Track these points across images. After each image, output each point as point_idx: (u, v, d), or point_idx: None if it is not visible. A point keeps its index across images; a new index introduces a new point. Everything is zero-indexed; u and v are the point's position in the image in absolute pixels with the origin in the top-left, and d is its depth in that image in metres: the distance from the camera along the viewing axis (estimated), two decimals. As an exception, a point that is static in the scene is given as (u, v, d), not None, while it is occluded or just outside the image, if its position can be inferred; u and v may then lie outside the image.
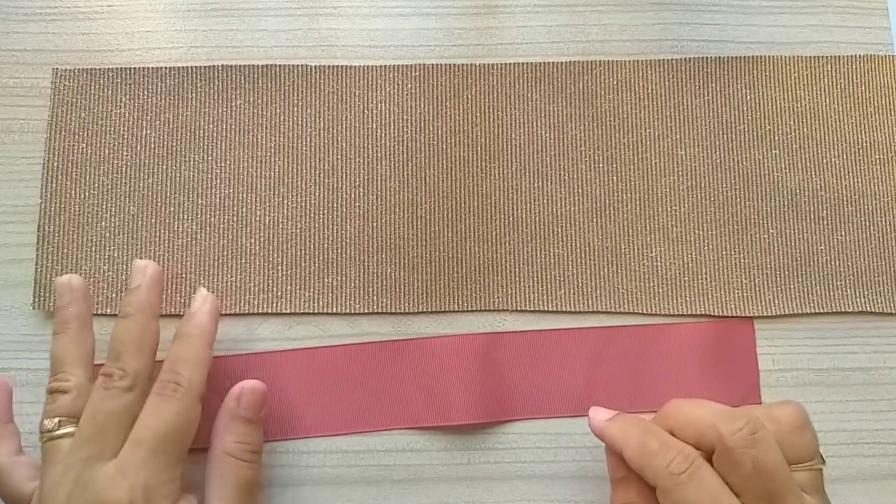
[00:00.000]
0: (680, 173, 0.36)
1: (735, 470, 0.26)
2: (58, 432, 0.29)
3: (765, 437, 0.26)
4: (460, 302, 0.35)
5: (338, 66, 0.37)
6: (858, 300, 0.35)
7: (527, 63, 0.37)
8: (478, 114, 0.37)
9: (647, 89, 0.37)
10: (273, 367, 0.35)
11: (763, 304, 0.35)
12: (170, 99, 0.37)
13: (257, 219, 0.36)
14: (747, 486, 0.26)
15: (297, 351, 0.35)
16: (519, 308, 0.35)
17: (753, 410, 0.28)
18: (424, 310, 0.35)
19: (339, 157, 0.37)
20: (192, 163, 0.36)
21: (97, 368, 0.31)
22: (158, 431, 0.28)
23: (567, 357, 0.35)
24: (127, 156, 0.36)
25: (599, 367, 0.35)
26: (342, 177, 0.36)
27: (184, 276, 0.36)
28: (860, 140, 0.37)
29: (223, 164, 0.36)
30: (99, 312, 0.35)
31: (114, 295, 0.35)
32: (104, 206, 0.36)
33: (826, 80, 0.37)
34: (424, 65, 0.37)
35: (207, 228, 0.36)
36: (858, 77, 0.37)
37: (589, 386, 0.35)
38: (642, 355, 0.35)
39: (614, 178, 0.36)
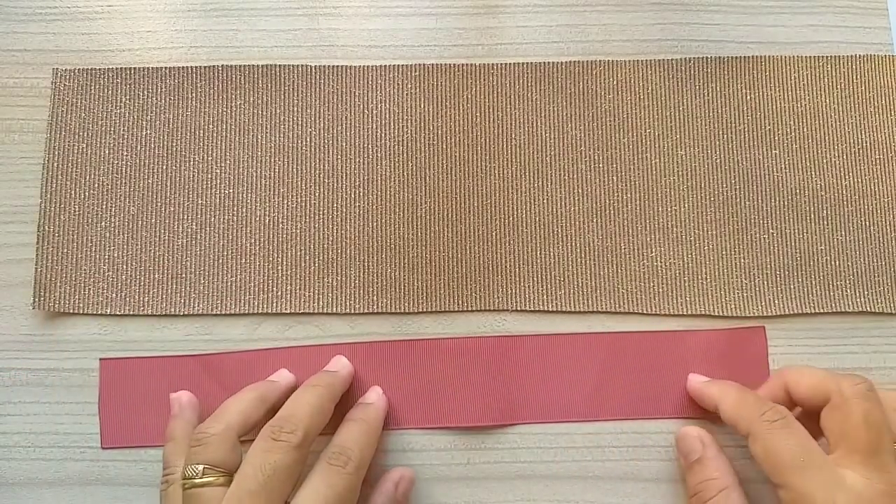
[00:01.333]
0: (680, 173, 0.36)
1: (846, 419, 0.28)
2: (199, 480, 0.28)
3: (877, 397, 0.29)
4: (460, 302, 0.35)
5: (338, 66, 0.37)
6: (858, 300, 0.35)
7: (527, 63, 0.37)
8: (478, 114, 0.37)
9: (647, 89, 0.37)
10: (273, 364, 0.35)
11: (763, 304, 0.35)
12: (170, 99, 0.37)
13: (257, 219, 0.36)
14: (851, 436, 0.28)
15: (298, 348, 0.35)
16: (519, 308, 0.35)
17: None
18: (424, 310, 0.35)
19: (339, 157, 0.37)
20: (192, 163, 0.36)
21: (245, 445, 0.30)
22: (331, 501, 0.28)
23: (577, 362, 0.35)
24: (127, 156, 0.36)
25: (609, 373, 0.35)
26: (342, 177, 0.36)
27: (184, 276, 0.36)
28: (860, 140, 0.37)
29: (223, 164, 0.36)
30: (99, 313, 0.35)
31: (113, 295, 0.35)
32: (104, 206, 0.36)
33: (826, 80, 0.37)
34: (424, 65, 0.37)
35: (207, 228, 0.36)
36: (858, 77, 0.37)
37: (598, 392, 0.35)
38: (653, 363, 0.35)
39: (614, 178, 0.36)
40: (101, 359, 0.35)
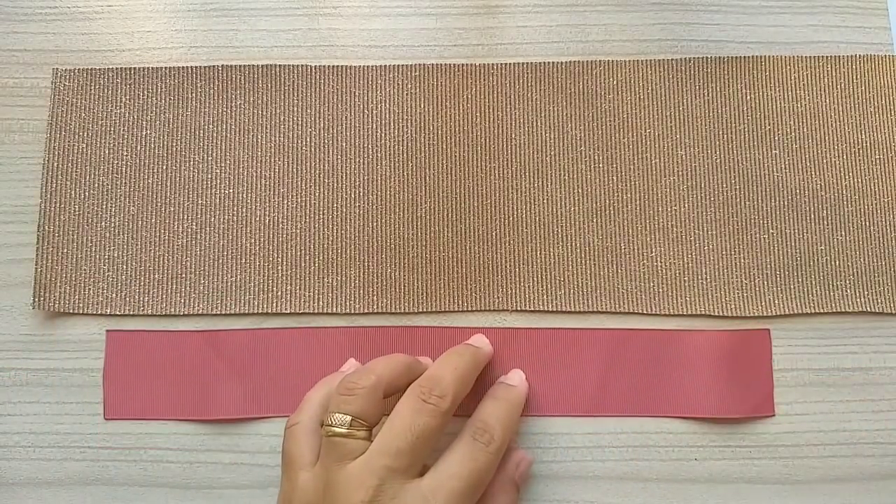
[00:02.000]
0: (680, 173, 0.36)
1: None
2: (344, 430, 0.28)
3: None
4: (460, 302, 0.35)
5: (338, 66, 0.37)
6: (858, 300, 0.35)
7: (527, 63, 0.37)
8: (478, 114, 0.37)
9: (647, 89, 0.37)
10: (280, 344, 0.35)
11: (763, 304, 0.35)
12: (170, 99, 0.37)
13: (257, 219, 0.36)
14: None
15: (305, 329, 0.35)
16: (519, 308, 0.35)
17: None
18: (424, 310, 0.35)
19: (339, 157, 0.37)
20: (192, 163, 0.36)
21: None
22: (473, 475, 0.28)
23: (580, 357, 0.35)
24: (127, 156, 0.36)
25: (613, 369, 0.35)
26: (342, 177, 0.36)
27: (184, 276, 0.36)
28: (860, 140, 0.37)
29: (223, 164, 0.36)
30: (99, 313, 0.35)
31: (113, 295, 0.35)
32: (104, 206, 0.36)
33: (826, 80, 0.37)
34: (424, 65, 0.37)
35: (207, 228, 0.36)
36: (858, 77, 0.37)
37: (601, 387, 0.35)
38: (656, 360, 0.35)
39: (614, 178, 0.36)
40: (107, 330, 0.35)
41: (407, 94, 0.37)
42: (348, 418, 0.28)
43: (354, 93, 0.37)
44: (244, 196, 0.36)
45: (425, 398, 0.28)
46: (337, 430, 0.28)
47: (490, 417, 0.30)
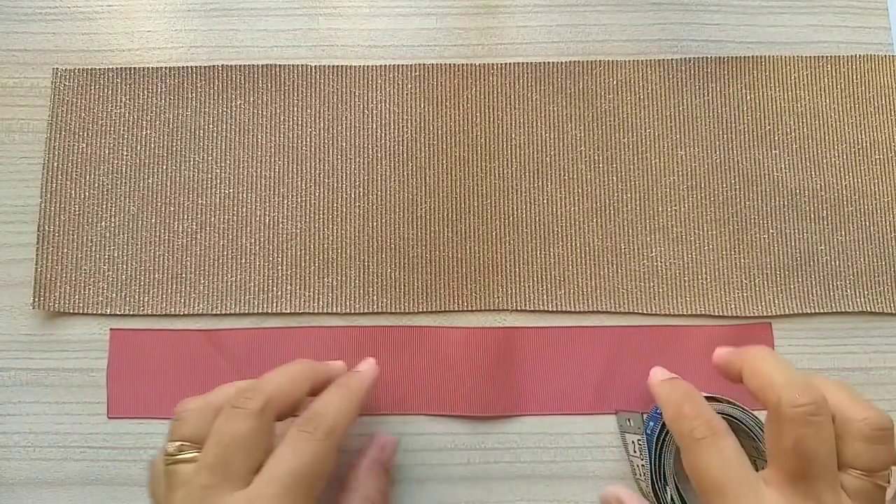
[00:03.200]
0: (680, 173, 0.36)
1: (776, 438, 0.26)
2: (179, 456, 0.27)
3: (820, 423, 0.25)
4: (460, 302, 0.35)
5: (338, 66, 0.37)
6: (858, 300, 0.35)
7: (527, 63, 0.37)
8: (478, 114, 0.37)
9: (647, 89, 0.37)
10: (281, 343, 0.35)
11: (763, 303, 0.35)
12: (170, 99, 0.37)
13: (257, 219, 0.36)
14: (780, 458, 0.26)
15: (306, 329, 0.35)
16: (519, 308, 0.35)
17: (836, 395, 0.27)
18: (424, 310, 0.35)
19: (339, 157, 0.37)
20: (192, 163, 0.36)
21: None
22: (294, 470, 0.26)
23: (582, 355, 0.35)
24: (127, 156, 0.36)
25: (615, 366, 0.35)
26: (342, 177, 0.36)
27: (184, 276, 0.36)
28: (860, 140, 0.37)
29: (223, 164, 0.36)
30: (99, 313, 0.35)
31: (113, 295, 0.35)
32: (104, 206, 0.36)
33: (826, 80, 0.37)
34: (424, 65, 0.37)
35: (207, 228, 0.36)
36: (858, 77, 0.37)
37: (603, 385, 0.35)
38: (658, 357, 0.35)
39: (614, 178, 0.36)
40: (111, 329, 0.35)
41: (407, 94, 0.37)
42: (177, 444, 0.27)
43: (354, 93, 0.37)
44: (244, 196, 0.36)
45: (235, 405, 0.27)
46: (173, 457, 0.27)
47: (319, 405, 0.28)
